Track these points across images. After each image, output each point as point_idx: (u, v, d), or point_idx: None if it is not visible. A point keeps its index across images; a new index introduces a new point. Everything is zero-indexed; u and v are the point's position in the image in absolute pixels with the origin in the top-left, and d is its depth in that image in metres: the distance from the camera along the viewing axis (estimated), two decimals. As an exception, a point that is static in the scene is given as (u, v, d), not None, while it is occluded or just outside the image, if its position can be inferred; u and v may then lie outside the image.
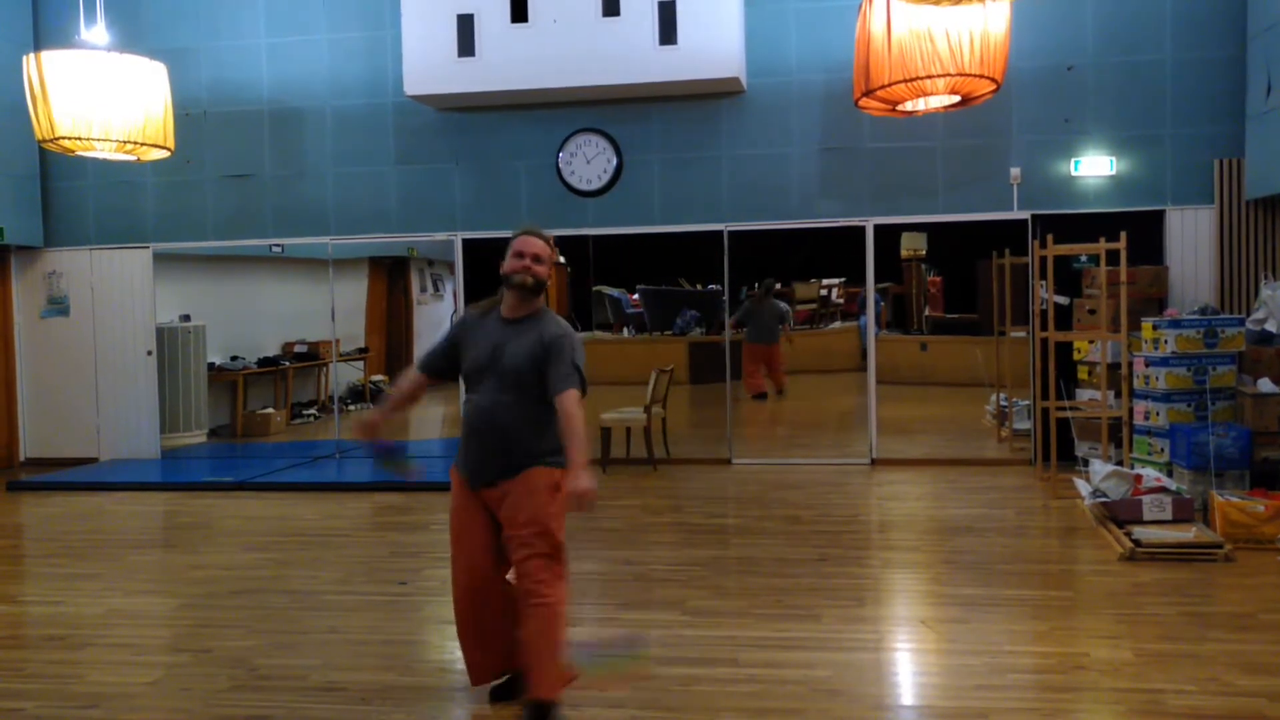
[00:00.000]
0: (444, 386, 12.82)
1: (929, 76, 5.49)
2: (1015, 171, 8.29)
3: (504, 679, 3.83)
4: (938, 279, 13.36)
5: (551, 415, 3.55)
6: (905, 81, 5.57)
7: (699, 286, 13.56)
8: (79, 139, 6.70)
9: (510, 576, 3.72)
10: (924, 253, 12.68)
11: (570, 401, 3.47)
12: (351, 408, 12.50)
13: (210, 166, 9.48)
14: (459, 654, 4.39)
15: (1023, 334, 8.41)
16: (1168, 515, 5.81)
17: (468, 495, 3.74)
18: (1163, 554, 5.40)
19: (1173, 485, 6.07)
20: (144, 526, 7.22)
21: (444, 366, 3.87)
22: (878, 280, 8.72)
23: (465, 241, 9.11)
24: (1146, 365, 6.91)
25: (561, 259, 14.40)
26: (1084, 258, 8.06)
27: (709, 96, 8.67)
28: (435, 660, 4.36)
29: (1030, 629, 4.43)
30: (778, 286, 11.42)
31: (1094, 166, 8.21)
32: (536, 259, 3.59)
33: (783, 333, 11.30)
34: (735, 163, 8.71)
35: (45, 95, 6.59)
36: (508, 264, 3.61)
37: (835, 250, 9.91)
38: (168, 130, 7.10)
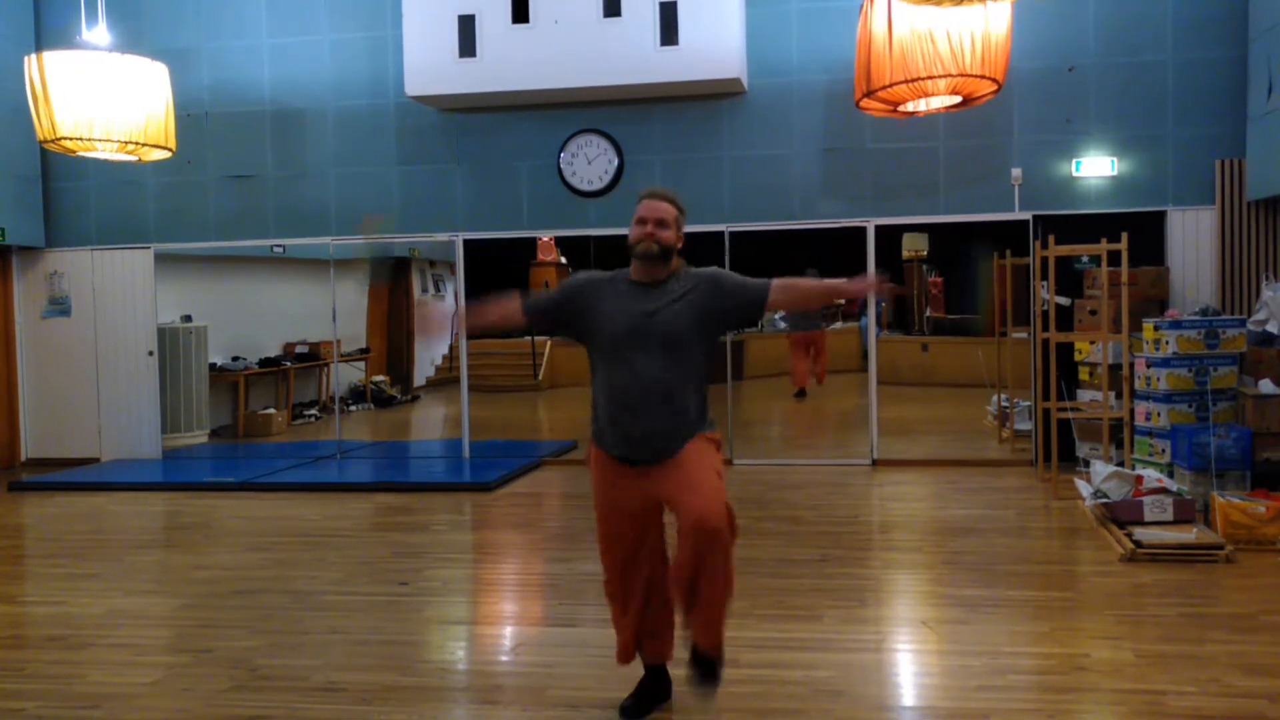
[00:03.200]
0: (444, 389, 12.75)
1: (930, 77, 5.50)
2: (1016, 172, 8.29)
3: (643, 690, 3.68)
4: (939, 280, 13.37)
5: (704, 382, 3.46)
6: (906, 82, 5.57)
7: (700, 287, 13.51)
8: (80, 139, 6.71)
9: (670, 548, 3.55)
10: (925, 253, 12.69)
11: (781, 280, 3.45)
12: (353, 408, 12.51)
13: (212, 167, 9.49)
14: (460, 654, 4.42)
15: (1024, 335, 8.40)
16: (1169, 516, 5.81)
17: (619, 472, 3.44)
18: (1164, 555, 5.40)
19: (1174, 486, 6.07)
20: (145, 527, 7.23)
21: (548, 317, 3.63)
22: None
23: (466, 242, 9.11)
24: (1148, 366, 6.90)
25: (563, 259, 14.45)
26: (1085, 258, 8.06)
27: (710, 97, 8.67)
28: (436, 661, 4.36)
29: (1031, 630, 4.43)
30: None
31: (1095, 167, 8.21)
32: (660, 223, 3.39)
33: (824, 325, 11.41)
34: (736, 163, 8.71)
35: (47, 96, 6.60)
36: (631, 231, 3.42)
37: (836, 251, 9.91)
38: (169, 131, 7.11)
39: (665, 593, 3.58)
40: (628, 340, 3.38)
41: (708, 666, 3.48)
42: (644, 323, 3.37)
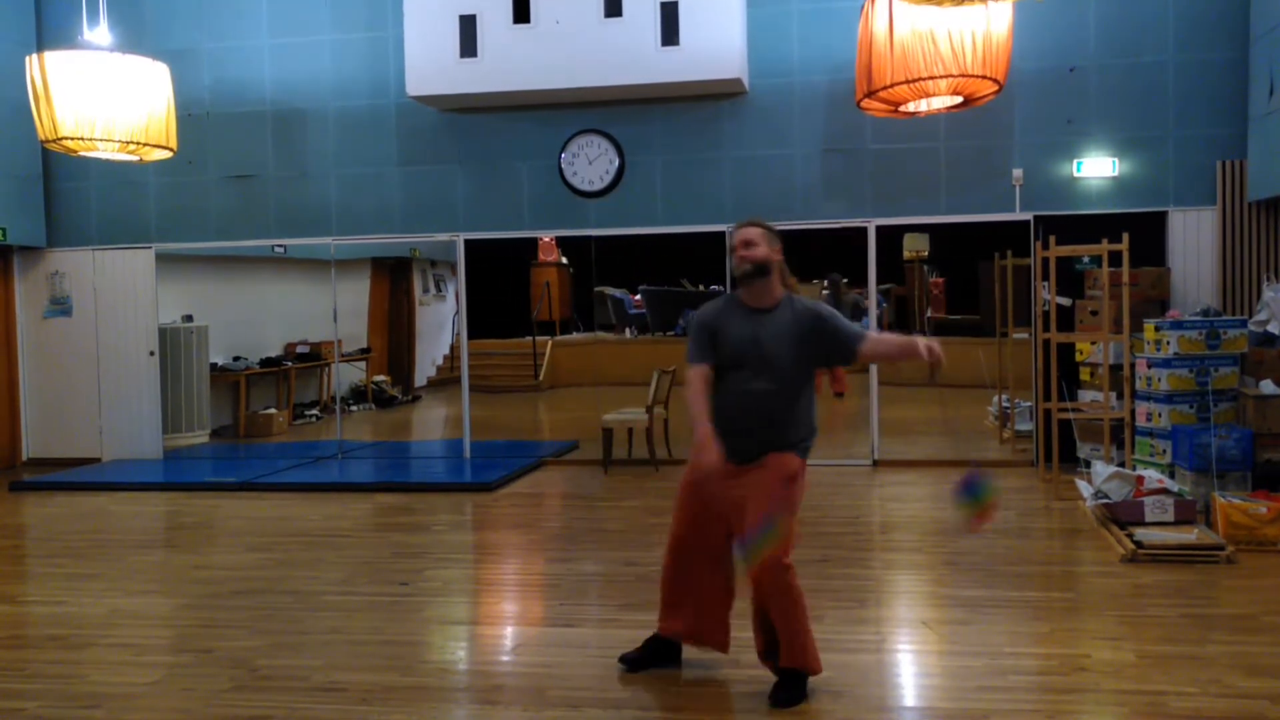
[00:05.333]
0: (445, 389, 12.72)
1: (931, 77, 5.49)
2: (1017, 173, 8.29)
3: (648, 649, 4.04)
4: (940, 280, 13.37)
5: (806, 403, 3.79)
6: (907, 82, 5.57)
7: (701, 287, 13.56)
8: (82, 139, 6.71)
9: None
10: (926, 254, 12.69)
11: (870, 339, 3.79)
12: (354, 408, 12.52)
13: (213, 167, 9.49)
14: (460, 654, 4.42)
15: (1025, 335, 8.40)
16: (1170, 517, 5.81)
17: (717, 485, 3.75)
18: (1164, 556, 5.40)
19: (1175, 487, 6.06)
20: (146, 527, 7.23)
21: (713, 355, 3.80)
22: (880, 281, 8.72)
23: (467, 242, 9.11)
24: (1149, 367, 6.90)
25: (563, 260, 14.46)
26: (1086, 259, 8.05)
27: (711, 97, 8.67)
28: (437, 661, 4.36)
29: (1032, 630, 4.43)
30: (844, 281, 11.58)
31: (1096, 168, 8.20)
32: (747, 244, 3.71)
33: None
34: (737, 164, 8.71)
35: (48, 96, 6.60)
36: (734, 260, 3.76)
37: (838, 251, 9.91)
38: (170, 131, 7.11)
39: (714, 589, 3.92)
40: (739, 359, 3.72)
41: (793, 682, 3.73)
42: (754, 344, 3.71)
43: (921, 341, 3.66)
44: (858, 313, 11.41)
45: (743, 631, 4.37)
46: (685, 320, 11.83)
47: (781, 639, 3.72)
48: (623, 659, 4.03)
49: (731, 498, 3.75)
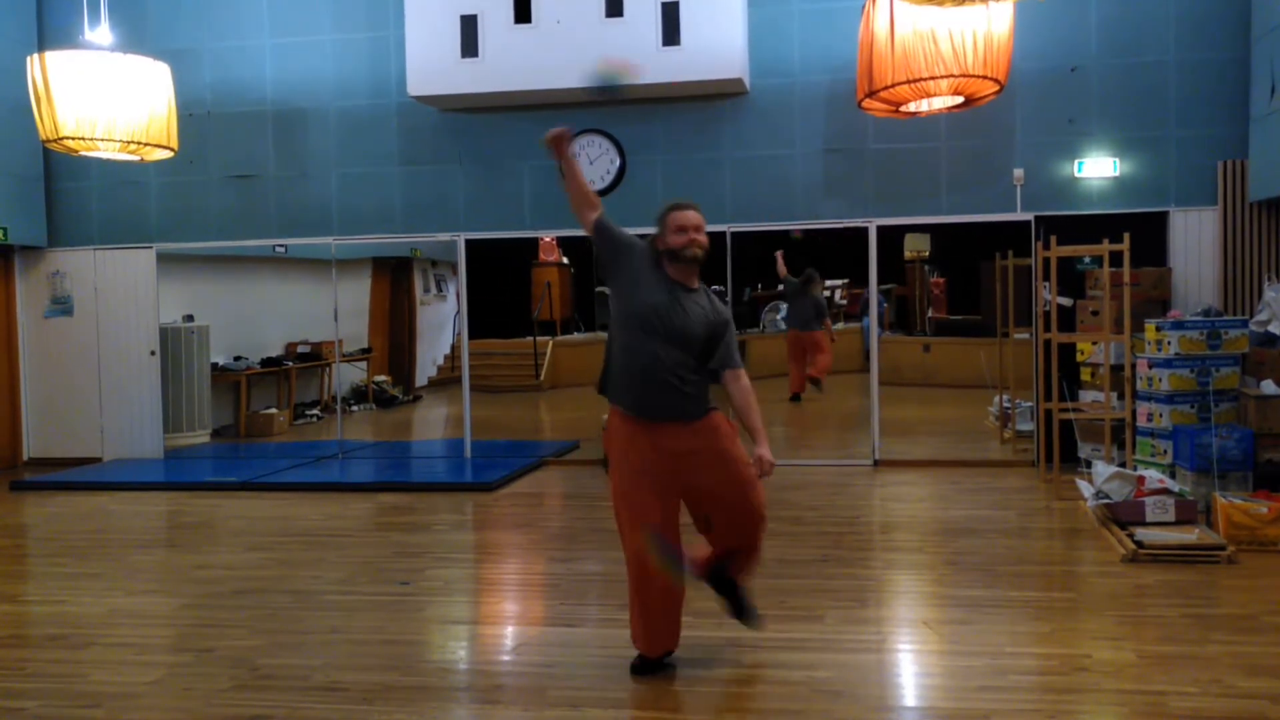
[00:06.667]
0: (446, 389, 12.71)
1: (932, 78, 5.50)
2: (1018, 173, 8.28)
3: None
4: (941, 280, 13.38)
5: (706, 378, 3.88)
6: (908, 82, 5.58)
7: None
8: (83, 139, 6.72)
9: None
10: (927, 254, 12.69)
11: (744, 377, 3.89)
12: (354, 408, 12.52)
13: (214, 167, 9.49)
14: (461, 654, 4.42)
15: (1026, 335, 8.40)
16: (1170, 517, 5.81)
17: (643, 444, 3.81)
18: (1165, 556, 5.39)
19: (1175, 487, 6.06)
20: (147, 526, 7.23)
21: (611, 240, 3.91)
22: (881, 281, 8.71)
23: (468, 242, 9.12)
24: (1150, 367, 6.90)
25: (564, 260, 14.46)
26: (1087, 259, 8.05)
27: (712, 97, 8.67)
28: (437, 660, 4.36)
29: (1032, 630, 4.43)
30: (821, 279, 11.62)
31: (1097, 168, 8.20)
32: (698, 229, 3.84)
33: (823, 326, 11.46)
34: (738, 164, 8.71)
35: (49, 96, 6.61)
36: (672, 238, 3.83)
37: (838, 251, 9.91)
38: (171, 130, 7.12)
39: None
40: (654, 318, 3.76)
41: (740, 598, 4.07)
42: (670, 311, 3.77)
43: (761, 449, 3.78)
44: (820, 311, 11.47)
45: (744, 630, 4.38)
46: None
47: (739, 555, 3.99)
48: (635, 670, 3.96)
49: (660, 448, 3.80)
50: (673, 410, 3.79)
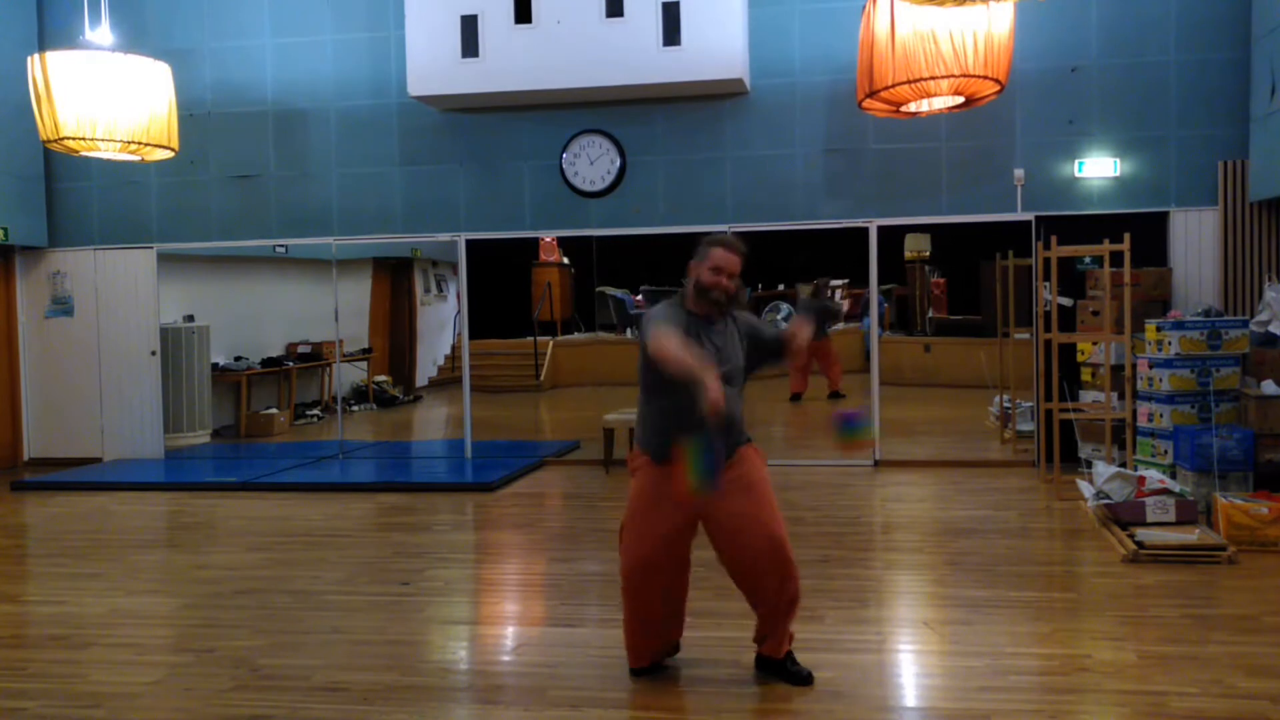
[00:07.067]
0: (446, 389, 12.75)
1: (933, 78, 5.50)
2: (1019, 173, 8.28)
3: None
4: (941, 280, 13.38)
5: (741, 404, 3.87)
6: (909, 82, 5.57)
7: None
8: (83, 139, 6.71)
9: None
10: (928, 254, 12.69)
11: (795, 324, 3.87)
12: (355, 408, 12.52)
13: (214, 167, 9.49)
14: (461, 654, 4.42)
15: (1026, 336, 8.40)
16: (1171, 517, 5.81)
17: (660, 476, 3.72)
18: (1166, 556, 5.39)
19: (1176, 487, 6.06)
20: (147, 526, 7.23)
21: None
22: (881, 282, 8.71)
23: (469, 242, 9.12)
24: (1150, 367, 6.90)
25: (565, 260, 14.46)
26: (1088, 259, 8.05)
27: (713, 98, 8.67)
28: (438, 660, 4.36)
29: (1033, 631, 4.43)
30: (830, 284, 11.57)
31: (1098, 168, 8.20)
32: (731, 276, 3.76)
33: (828, 335, 11.40)
34: (739, 164, 8.71)
35: (50, 96, 6.61)
36: (706, 276, 3.74)
37: (839, 252, 9.90)
38: (172, 131, 7.12)
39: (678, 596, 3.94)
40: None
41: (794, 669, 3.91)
42: (715, 356, 3.71)
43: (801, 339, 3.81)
44: (832, 317, 11.40)
45: (744, 631, 4.38)
46: (642, 320, 11.87)
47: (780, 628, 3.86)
48: (634, 672, 3.96)
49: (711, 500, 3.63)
50: (725, 451, 3.68)
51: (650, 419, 3.81)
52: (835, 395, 11.48)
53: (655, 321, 3.71)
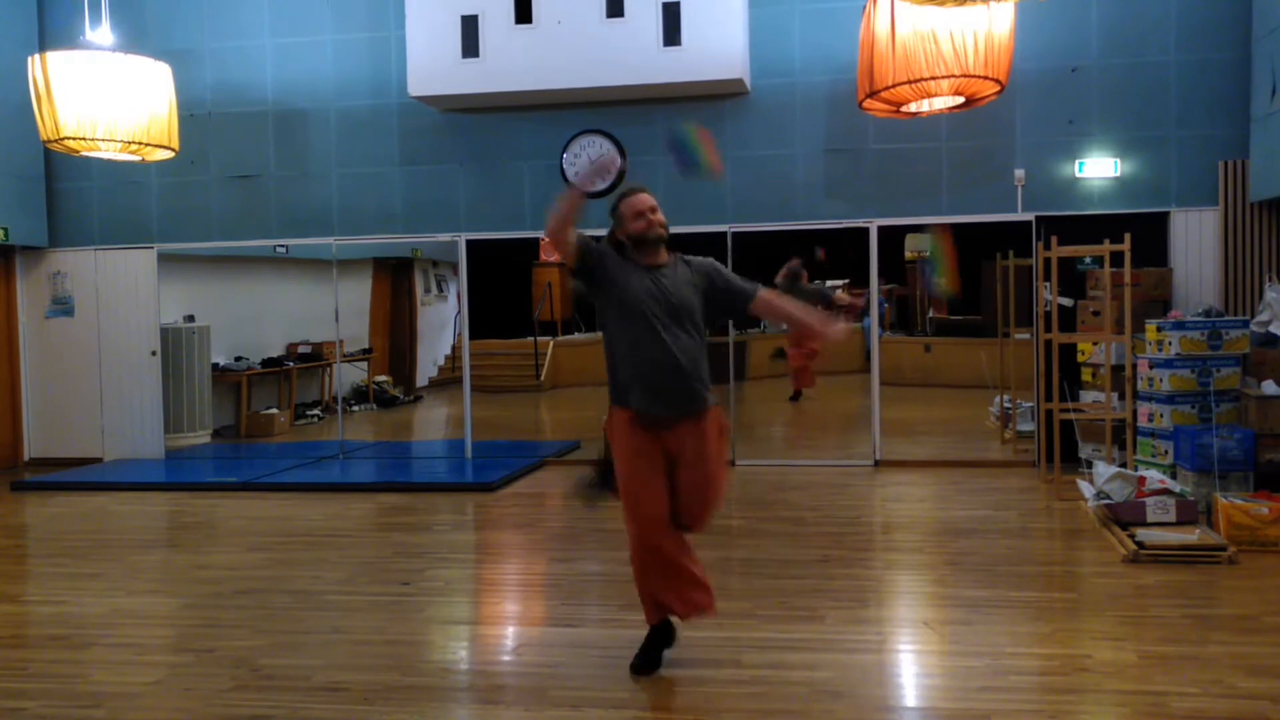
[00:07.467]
0: (447, 389, 12.71)
1: (933, 78, 5.50)
2: (1019, 173, 8.28)
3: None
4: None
5: (706, 356, 3.92)
6: (909, 83, 5.58)
7: (702, 288, 13.51)
8: (84, 139, 6.72)
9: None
10: (928, 254, 12.67)
11: (765, 292, 3.94)
12: (355, 408, 12.52)
13: (215, 167, 9.50)
14: (462, 654, 4.42)
15: (1027, 336, 8.40)
16: (1171, 517, 5.81)
17: (644, 437, 3.85)
18: (1166, 556, 5.39)
19: (1176, 487, 6.06)
20: (148, 526, 7.23)
21: (594, 261, 3.87)
22: (882, 281, 8.71)
23: (469, 242, 9.12)
24: (1150, 367, 6.90)
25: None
26: (1088, 259, 8.05)
27: (713, 98, 8.67)
28: (438, 660, 4.36)
29: (1033, 631, 4.43)
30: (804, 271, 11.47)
31: (1098, 168, 8.20)
32: (654, 210, 3.88)
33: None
34: (739, 164, 8.71)
35: (50, 96, 6.61)
36: (632, 225, 3.87)
37: (839, 252, 9.89)
38: (172, 131, 7.12)
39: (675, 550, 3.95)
40: (645, 306, 3.80)
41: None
42: (661, 293, 3.82)
43: (825, 324, 3.82)
44: (814, 299, 11.31)
45: (745, 631, 4.38)
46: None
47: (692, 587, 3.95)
48: (634, 669, 4.00)
49: (666, 449, 3.87)
50: (686, 401, 3.83)
51: (625, 364, 3.86)
52: (797, 397, 11.31)
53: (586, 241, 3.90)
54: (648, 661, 4.01)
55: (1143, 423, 6.97)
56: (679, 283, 3.87)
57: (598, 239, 3.98)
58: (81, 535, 6.84)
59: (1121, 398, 7.36)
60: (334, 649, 4.41)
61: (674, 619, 4.06)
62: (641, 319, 3.80)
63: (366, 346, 13.25)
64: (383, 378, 13.36)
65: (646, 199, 3.90)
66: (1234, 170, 7.96)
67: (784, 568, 5.48)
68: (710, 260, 4.02)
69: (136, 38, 8.94)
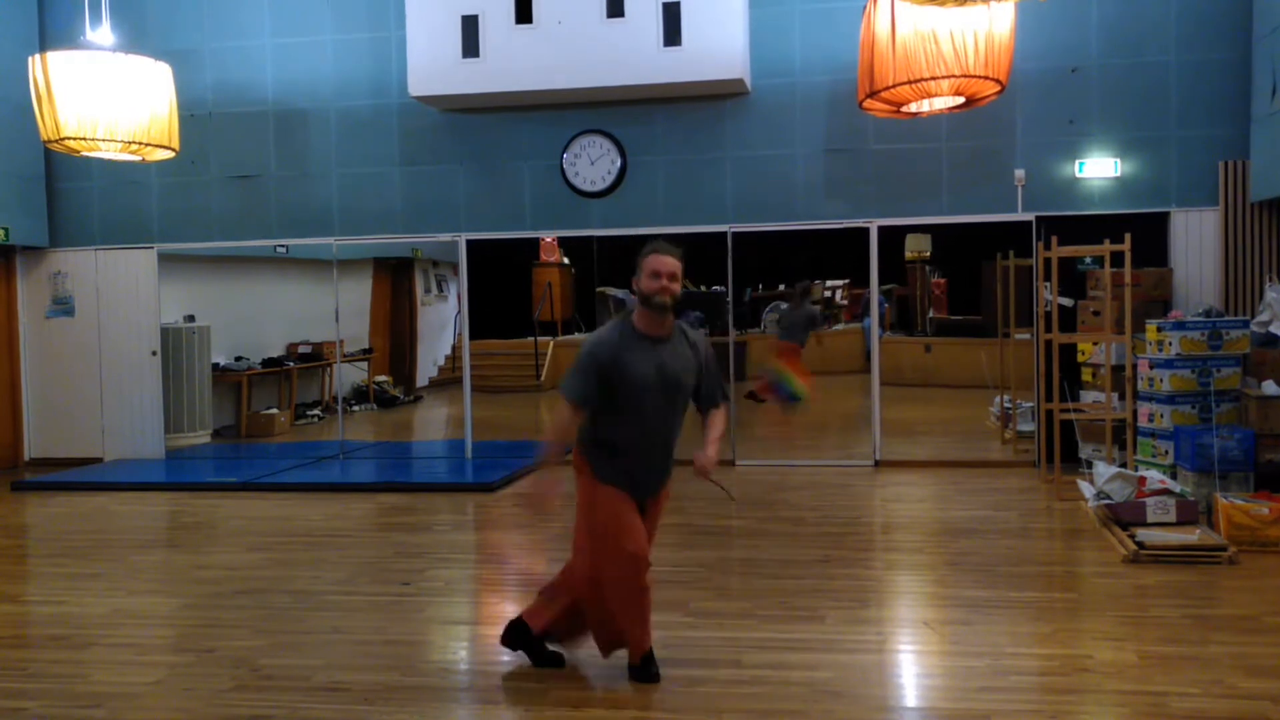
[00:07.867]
0: (447, 389, 12.74)
1: (933, 78, 5.49)
2: (1019, 173, 8.28)
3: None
4: (942, 281, 13.36)
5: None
6: (910, 83, 5.57)
7: (703, 288, 13.57)
8: (84, 139, 6.71)
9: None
10: (928, 254, 12.67)
11: (725, 412, 3.97)
12: (355, 408, 12.52)
13: (215, 167, 9.50)
14: (462, 654, 4.42)
15: (1027, 336, 8.40)
16: (1171, 518, 5.80)
17: (630, 502, 3.87)
18: (1166, 556, 5.39)
19: (1177, 488, 6.06)
20: (148, 527, 7.23)
21: (594, 396, 3.78)
22: (882, 282, 8.71)
23: (469, 242, 9.12)
24: (1151, 367, 6.90)
25: (565, 260, 14.46)
26: (1088, 259, 8.05)
27: (713, 98, 8.67)
28: (438, 660, 4.36)
29: (1033, 631, 4.42)
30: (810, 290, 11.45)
31: (1098, 168, 8.20)
32: (672, 277, 3.74)
33: (804, 341, 11.21)
34: (739, 164, 8.71)
35: (51, 96, 6.61)
36: (645, 283, 3.75)
37: (839, 252, 9.89)
38: (173, 131, 7.12)
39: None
40: (643, 390, 3.74)
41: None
42: (659, 374, 3.76)
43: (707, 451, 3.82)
44: (813, 324, 11.26)
45: (745, 631, 4.37)
46: (686, 320, 11.81)
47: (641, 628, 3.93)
48: (634, 671, 3.95)
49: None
50: (661, 478, 3.94)
51: (600, 433, 3.82)
52: (752, 396, 11.08)
53: (578, 367, 3.76)
54: (644, 670, 3.94)
55: (1143, 423, 6.97)
56: (679, 360, 3.81)
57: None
58: (82, 535, 6.84)
59: (1122, 398, 7.35)
60: (334, 649, 4.41)
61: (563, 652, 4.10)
62: (641, 401, 3.75)
63: (367, 346, 13.25)
64: (383, 378, 13.36)
65: (670, 263, 3.75)
66: (1234, 170, 7.96)
67: (784, 568, 5.48)
68: (707, 343, 4.02)
69: (137, 38, 8.94)
